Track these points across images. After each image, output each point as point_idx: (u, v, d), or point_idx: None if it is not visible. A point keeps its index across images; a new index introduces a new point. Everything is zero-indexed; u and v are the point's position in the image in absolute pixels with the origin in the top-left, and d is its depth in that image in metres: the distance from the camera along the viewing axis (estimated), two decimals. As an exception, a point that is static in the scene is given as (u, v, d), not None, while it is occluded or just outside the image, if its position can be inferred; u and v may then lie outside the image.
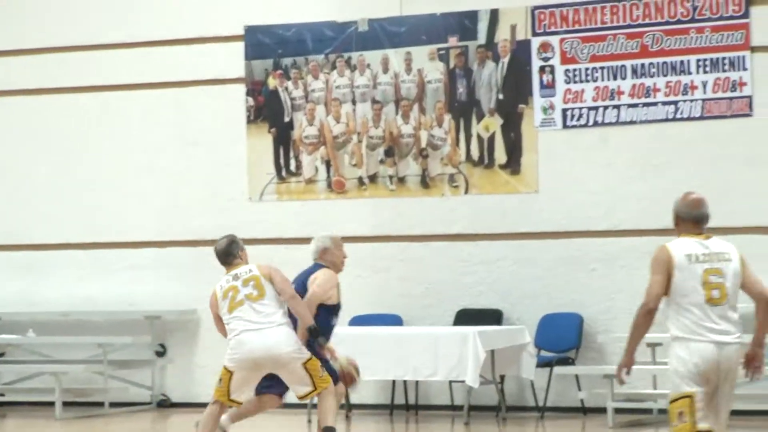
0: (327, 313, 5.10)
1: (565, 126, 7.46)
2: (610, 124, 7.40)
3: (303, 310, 4.81)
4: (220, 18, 7.78)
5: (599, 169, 7.37)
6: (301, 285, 5.12)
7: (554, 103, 7.45)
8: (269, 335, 4.84)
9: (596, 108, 7.40)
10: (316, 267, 5.15)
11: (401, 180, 7.71)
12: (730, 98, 7.23)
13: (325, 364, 5.00)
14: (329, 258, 5.29)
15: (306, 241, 6.59)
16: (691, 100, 7.30)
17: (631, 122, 7.38)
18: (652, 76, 7.35)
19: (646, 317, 3.70)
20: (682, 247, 3.77)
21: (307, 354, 4.86)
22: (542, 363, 7.14)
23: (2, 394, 8.17)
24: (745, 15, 7.24)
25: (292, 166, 7.83)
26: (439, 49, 7.63)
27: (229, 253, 5.12)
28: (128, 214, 7.90)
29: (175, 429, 7.75)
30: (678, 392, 3.69)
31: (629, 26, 7.40)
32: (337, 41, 7.75)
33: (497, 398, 7.03)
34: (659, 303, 3.70)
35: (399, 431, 7.57)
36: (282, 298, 4.79)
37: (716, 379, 3.73)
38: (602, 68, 7.40)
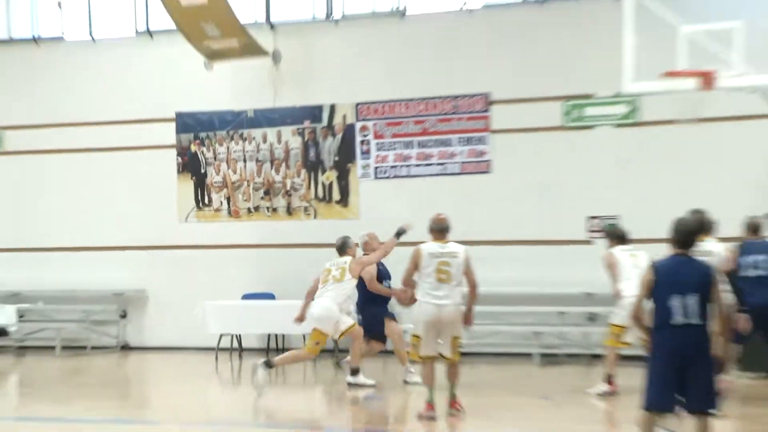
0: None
1: (376, 177, 11.60)
2: (403, 177, 11.59)
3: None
4: (160, 107, 11.90)
5: (397, 204, 11.39)
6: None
7: (369, 163, 11.62)
8: (321, 303, 8.03)
9: (395, 166, 11.54)
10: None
11: (275, 210, 11.91)
12: (477, 162, 11.53)
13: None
14: (370, 247, 8.60)
15: (215, 247, 10.99)
16: (453, 163, 11.56)
17: (417, 176, 11.60)
18: (430, 147, 11.56)
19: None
20: (428, 247, 6.73)
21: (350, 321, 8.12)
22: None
23: (23, 341, 12.29)
24: (487, 111, 11.49)
25: (206, 201, 12.09)
26: (298, 129, 11.77)
27: (341, 246, 8.41)
28: (103, 230, 12.05)
29: (133, 363, 11.98)
30: (414, 332, 6.91)
31: (416, 116, 11.56)
32: (234, 122, 11.92)
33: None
34: (411, 281, 6.83)
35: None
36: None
37: (438, 326, 6.67)
38: (399, 142, 11.54)
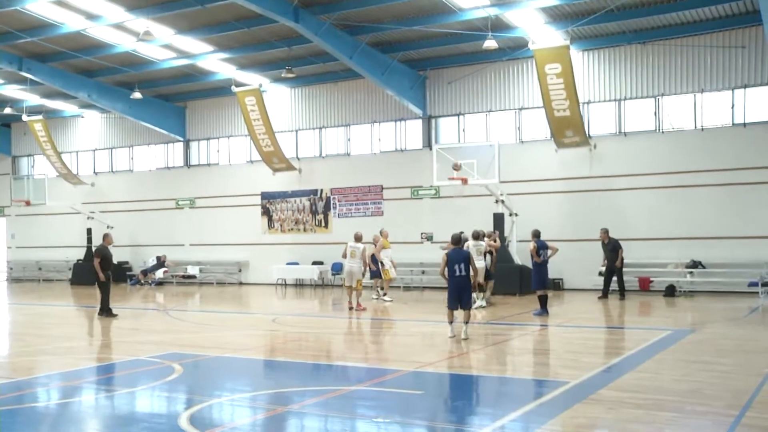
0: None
1: (338, 217, 29.61)
2: (349, 217, 29.54)
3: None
4: (253, 187, 30.19)
5: (346, 229, 29.26)
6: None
7: (336, 212, 29.64)
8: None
9: (346, 213, 29.56)
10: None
11: (299, 229, 30.03)
12: (376, 210, 29.27)
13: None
14: (376, 239, 22.22)
15: (277, 244, 29.39)
16: (367, 212, 29.40)
17: (353, 217, 29.45)
18: (359, 206, 29.42)
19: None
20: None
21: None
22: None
23: (202, 282, 30.76)
24: (381, 192, 29.16)
25: (272, 225, 30.25)
26: (308, 198, 29.86)
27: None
28: (237, 236, 30.43)
29: (249, 289, 29.90)
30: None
31: (354, 194, 29.51)
32: (284, 195, 30.05)
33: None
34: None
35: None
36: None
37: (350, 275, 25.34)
38: (348, 203, 29.55)
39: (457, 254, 13.42)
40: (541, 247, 17.28)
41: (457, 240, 13.73)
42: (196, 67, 27.93)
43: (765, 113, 22.73)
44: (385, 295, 21.94)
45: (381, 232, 22.68)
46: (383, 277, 22.07)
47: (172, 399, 9.01)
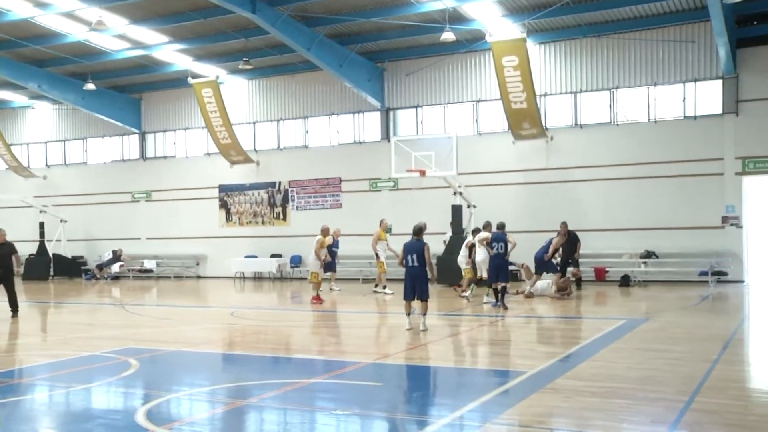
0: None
1: (297, 210, 29.49)
2: (307, 209, 29.46)
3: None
4: (212, 180, 29.91)
5: (305, 221, 29.14)
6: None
7: (295, 204, 29.52)
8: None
9: (304, 206, 29.47)
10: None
11: (257, 222, 29.84)
12: (335, 203, 29.21)
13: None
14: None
15: (235, 237, 29.09)
16: (326, 203, 29.34)
17: (312, 209, 29.36)
18: (317, 198, 29.35)
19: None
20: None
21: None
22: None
23: (158, 275, 30.41)
24: (339, 185, 29.12)
25: (230, 218, 30.01)
26: (267, 190, 29.70)
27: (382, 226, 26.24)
28: (190, 229, 30.17)
29: (204, 283, 29.61)
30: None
31: (313, 186, 29.41)
32: (242, 188, 29.82)
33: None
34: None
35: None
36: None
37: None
38: (306, 196, 29.44)
39: (411, 245, 13.42)
40: (494, 240, 17.20)
41: (417, 231, 13.75)
42: (151, 58, 27.51)
43: (714, 106, 23.23)
44: (384, 287, 21.39)
45: (381, 224, 22.40)
46: (378, 269, 21.76)
47: (128, 394, 8.89)
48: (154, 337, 13.60)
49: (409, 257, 13.34)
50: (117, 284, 28.36)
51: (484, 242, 17.83)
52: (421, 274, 13.37)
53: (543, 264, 19.56)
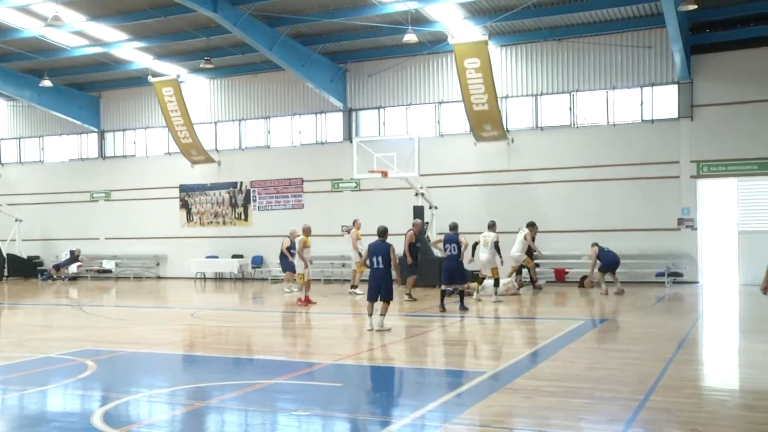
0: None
1: (259, 210, 29.29)
2: (269, 210, 29.28)
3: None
4: (173, 179, 29.52)
5: (268, 221, 29.02)
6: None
7: (257, 204, 29.33)
8: None
9: (266, 206, 29.28)
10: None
11: (218, 222, 29.56)
12: (297, 204, 29.10)
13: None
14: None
15: (195, 237, 28.80)
16: (288, 204, 29.22)
17: (275, 210, 29.20)
18: (279, 199, 29.22)
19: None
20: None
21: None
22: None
23: (118, 276, 29.95)
24: (302, 185, 29.01)
25: (192, 218, 29.70)
26: (228, 191, 29.45)
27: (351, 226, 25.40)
28: (150, 229, 29.73)
29: (164, 283, 29.28)
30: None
31: (275, 187, 29.26)
32: (203, 188, 29.54)
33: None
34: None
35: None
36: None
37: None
38: (268, 196, 29.29)
39: (377, 247, 13.49)
40: (446, 241, 16.80)
41: (381, 233, 13.78)
42: (110, 55, 27.12)
43: (670, 110, 23.70)
44: (355, 288, 21.47)
45: (354, 223, 22.30)
46: (357, 269, 21.54)
47: (85, 397, 8.76)
48: (112, 339, 13.41)
49: (374, 258, 13.38)
50: (75, 285, 27.88)
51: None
52: (385, 276, 13.42)
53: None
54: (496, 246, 19.06)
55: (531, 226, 21.58)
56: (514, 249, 21.15)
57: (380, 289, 13.42)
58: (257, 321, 16.46)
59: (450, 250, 16.70)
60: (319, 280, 26.49)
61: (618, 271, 23.49)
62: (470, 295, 18.90)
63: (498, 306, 17.90)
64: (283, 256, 22.42)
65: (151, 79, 27.25)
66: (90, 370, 10.09)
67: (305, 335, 14.43)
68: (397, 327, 13.93)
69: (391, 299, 13.60)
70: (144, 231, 30.53)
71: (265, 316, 17.27)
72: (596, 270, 20.45)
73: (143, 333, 14.33)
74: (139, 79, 29.26)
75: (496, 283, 19.07)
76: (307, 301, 18.69)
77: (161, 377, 10.12)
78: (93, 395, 8.85)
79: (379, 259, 13.35)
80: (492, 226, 19.33)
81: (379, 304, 13.60)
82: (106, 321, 16.39)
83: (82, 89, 31.29)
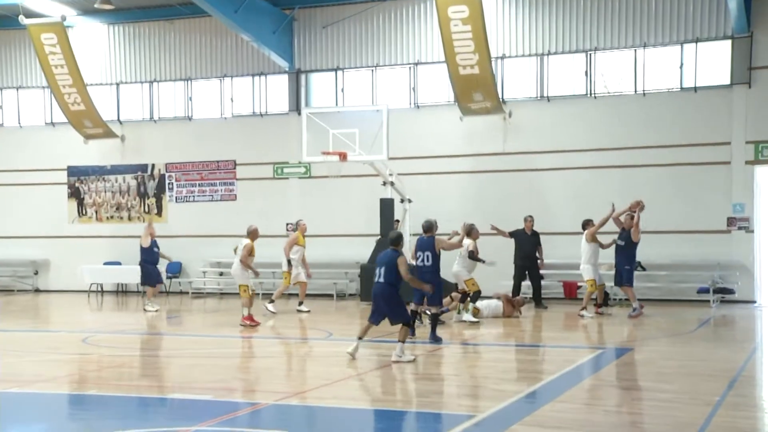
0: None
1: (176, 202, 28.99)
2: (190, 201, 29.01)
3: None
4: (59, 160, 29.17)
5: (187, 216, 28.73)
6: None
7: (173, 194, 29.07)
8: None
9: (186, 196, 29.01)
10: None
11: (121, 217, 29.22)
12: (229, 194, 28.92)
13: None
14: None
15: (89, 237, 28.50)
16: (215, 195, 28.97)
17: (197, 201, 28.97)
18: (204, 187, 28.96)
19: None
20: None
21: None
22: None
23: None
24: (234, 169, 28.77)
25: (84, 212, 29.29)
26: (135, 176, 29.15)
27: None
28: (31, 226, 29.36)
29: (46, 298, 28.87)
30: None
31: (198, 171, 29.07)
32: (100, 171, 29.16)
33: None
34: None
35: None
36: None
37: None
38: (188, 183, 28.99)
39: (381, 257, 13.70)
40: (418, 248, 16.10)
41: (427, 228, 14.00)
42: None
43: (721, 75, 23.63)
44: (301, 304, 22.10)
45: (299, 225, 22.60)
46: (283, 281, 21.98)
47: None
48: (-26, 372, 13.15)
49: (377, 270, 13.44)
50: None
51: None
52: (387, 293, 13.34)
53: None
54: (471, 255, 18.94)
55: (588, 223, 21.04)
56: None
57: (382, 310, 13.44)
58: (173, 348, 16.29)
59: (423, 260, 15.87)
60: (258, 293, 26.30)
61: (646, 285, 23.31)
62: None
63: (479, 329, 17.87)
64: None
65: (23, 20, 26.53)
66: (-57, 414, 9.89)
67: (238, 367, 14.30)
68: (364, 355, 13.85)
69: (403, 321, 13.42)
70: (16, 229, 30.02)
71: (183, 342, 17.09)
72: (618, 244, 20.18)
73: (15, 367, 14.04)
74: (6, 20, 28.71)
75: (473, 299, 19.00)
76: (250, 320, 18.60)
77: (39, 427, 9.93)
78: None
79: (381, 270, 13.37)
80: (470, 233, 19.10)
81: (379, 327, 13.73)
82: (-33, 348, 16.09)
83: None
